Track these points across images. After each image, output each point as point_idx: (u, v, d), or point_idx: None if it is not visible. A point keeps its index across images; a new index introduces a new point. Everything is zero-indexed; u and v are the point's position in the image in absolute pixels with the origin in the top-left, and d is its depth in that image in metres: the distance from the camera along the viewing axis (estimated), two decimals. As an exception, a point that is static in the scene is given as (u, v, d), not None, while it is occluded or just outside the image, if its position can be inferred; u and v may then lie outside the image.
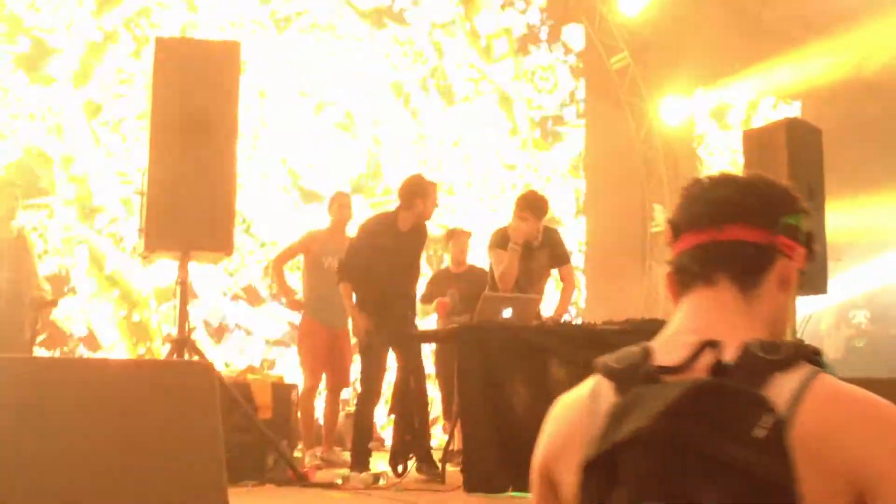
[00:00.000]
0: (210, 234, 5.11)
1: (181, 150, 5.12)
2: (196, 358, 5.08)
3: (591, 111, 11.24)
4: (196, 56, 5.39)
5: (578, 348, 5.33)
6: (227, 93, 5.34)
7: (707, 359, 1.18)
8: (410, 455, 5.67)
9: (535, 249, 6.00)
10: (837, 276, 7.66)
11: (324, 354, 6.57)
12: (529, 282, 5.96)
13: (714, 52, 11.29)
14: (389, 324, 5.75)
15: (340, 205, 6.95)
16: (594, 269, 11.04)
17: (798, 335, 6.05)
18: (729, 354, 1.17)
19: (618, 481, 1.12)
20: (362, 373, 6.04)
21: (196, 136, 5.13)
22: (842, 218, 6.81)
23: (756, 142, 6.29)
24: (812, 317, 9.49)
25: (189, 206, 5.04)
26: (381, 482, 5.32)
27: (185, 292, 5.17)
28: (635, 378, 1.20)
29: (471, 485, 4.95)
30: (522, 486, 4.75)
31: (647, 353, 1.25)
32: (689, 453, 1.08)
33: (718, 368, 1.16)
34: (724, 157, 12.06)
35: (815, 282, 6.10)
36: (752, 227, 1.30)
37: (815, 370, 1.15)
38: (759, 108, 12.29)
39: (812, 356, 1.17)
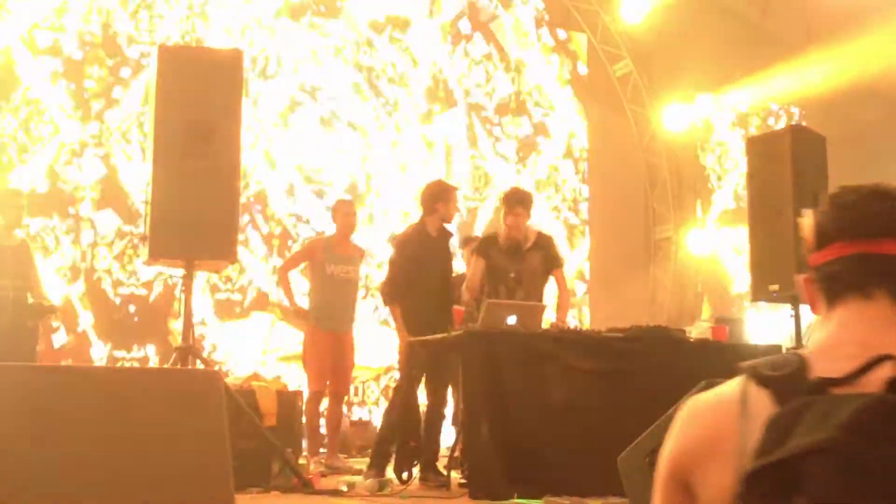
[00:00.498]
0: (214, 242, 5.12)
1: (184, 158, 5.11)
2: (201, 366, 5.09)
3: (595, 119, 11.24)
4: (199, 64, 5.39)
5: (583, 356, 5.34)
6: (230, 100, 5.34)
7: (881, 373, 1.16)
8: (415, 462, 5.66)
9: (526, 251, 6.00)
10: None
11: (329, 361, 6.57)
12: (519, 283, 5.95)
13: (716, 60, 11.30)
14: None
15: (345, 213, 6.95)
16: (598, 275, 11.03)
17: (804, 343, 6.04)
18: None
19: (796, 491, 1.10)
20: (400, 382, 6.07)
21: (199, 143, 5.13)
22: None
23: (760, 149, 6.30)
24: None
25: (193, 214, 5.04)
26: (387, 490, 5.31)
27: (189, 300, 5.17)
28: (798, 388, 1.18)
29: (476, 492, 4.94)
30: (527, 492, 4.74)
31: (804, 363, 1.22)
32: (876, 469, 1.07)
33: (893, 386, 1.13)
34: (727, 164, 12.06)
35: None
36: None
37: None
38: (761, 114, 12.29)
39: None
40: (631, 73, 11.43)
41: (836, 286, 1.31)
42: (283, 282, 6.99)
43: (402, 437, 5.70)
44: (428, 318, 5.76)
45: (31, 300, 6.20)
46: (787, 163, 5.96)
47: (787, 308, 6.10)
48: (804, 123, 11.13)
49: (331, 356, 6.58)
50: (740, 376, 1.26)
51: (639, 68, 11.38)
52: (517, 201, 6.00)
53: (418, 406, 6.12)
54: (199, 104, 5.18)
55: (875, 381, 1.15)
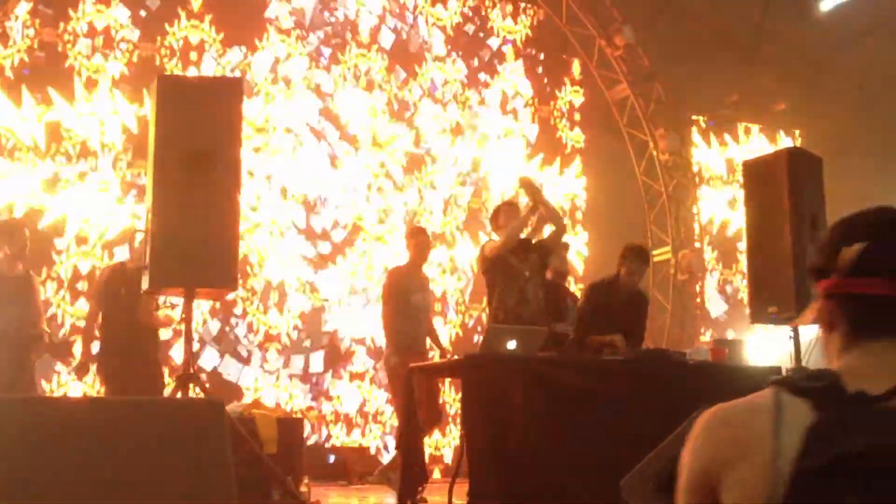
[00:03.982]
0: (214, 271, 5.12)
1: (184, 187, 5.13)
2: (200, 394, 5.09)
3: (591, 143, 11.29)
4: (198, 92, 5.42)
5: (584, 379, 5.33)
6: (229, 129, 5.36)
7: None
8: (420, 488, 5.66)
9: (527, 249, 6.14)
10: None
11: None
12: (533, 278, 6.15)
13: (712, 83, 11.37)
14: None
15: (420, 242, 6.99)
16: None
17: (803, 363, 6.04)
18: None
19: (850, 492, 1.15)
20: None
21: (199, 172, 5.14)
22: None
23: (757, 172, 6.31)
24: (817, 342, 9.46)
25: (193, 243, 5.04)
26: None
27: (190, 329, 5.18)
28: (839, 399, 1.23)
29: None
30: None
31: (839, 378, 1.27)
32: None
33: None
34: (724, 188, 12.11)
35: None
36: None
37: None
38: (759, 137, 12.34)
39: None
40: (628, 98, 11.50)
41: (872, 321, 1.33)
42: (390, 330, 6.85)
43: (406, 462, 5.70)
44: None
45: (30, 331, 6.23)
46: (784, 185, 5.98)
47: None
48: (802, 145, 11.21)
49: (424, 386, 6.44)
50: (769, 388, 1.29)
51: (635, 93, 11.44)
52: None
53: (421, 432, 6.13)
54: (199, 133, 5.20)
55: None
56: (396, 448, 5.92)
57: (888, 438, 1.15)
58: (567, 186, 11.02)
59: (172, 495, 2.69)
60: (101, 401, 5.53)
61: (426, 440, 6.63)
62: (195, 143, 5.17)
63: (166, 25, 9.14)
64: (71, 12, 8.81)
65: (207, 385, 5.67)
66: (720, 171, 12.15)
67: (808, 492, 1.17)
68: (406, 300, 6.73)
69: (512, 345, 5.43)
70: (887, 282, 1.31)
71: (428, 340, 6.92)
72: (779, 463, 1.20)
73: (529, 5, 11.15)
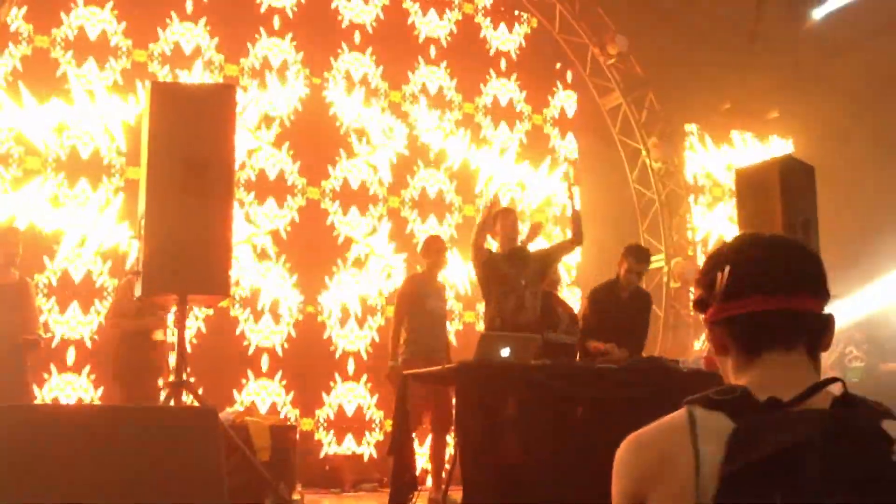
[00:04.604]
0: (207, 277, 5.13)
1: (178, 194, 5.15)
2: (194, 401, 5.08)
3: (585, 152, 11.30)
4: (191, 100, 5.43)
5: (577, 387, 5.34)
6: (222, 136, 5.38)
7: (819, 399, 1.32)
8: (410, 496, 5.65)
9: (523, 258, 6.19)
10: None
11: (432, 395, 6.52)
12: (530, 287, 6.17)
13: (706, 91, 11.41)
14: None
15: (439, 250, 7.05)
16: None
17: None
18: (827, 398, 1.33)
19: (775, 489, 1.23)
20: None
21: (192, 179, 5.17)
22: (837, 253, 6.88)
23: (749, 180, 6.32)
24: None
25: (186, 250, 5.06)
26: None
27: (183, 336, 5.17)
28: (752, 407, 1.32)
29: (471, 525, 4.92)
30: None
31: (748, 390, 1.37)
32: (841, 470, 1.21)
33: (845, 401, 1.31)
34: (717, 196, 12.13)
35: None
36: (817, 298, 1.43)
37: None
38: (751, 146, 12.38)
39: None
40: (621, 106, 11.53)
41: (760, 338, 1.43)
42: (395, 338, 6.88)
43: (397, 472, 5.70)
44: None
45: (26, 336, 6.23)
46: (777, 194, 5.99)
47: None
48: (795, 153, 11.25)
49: (431, 391, 6.48)
50: (683, 407, 1.40)
51: (628, 101, 11.47)
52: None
53: (412, 440, 6.12)
54: (192, 139, 5.23)
55: (818, 403, 1.31)
56: (388, 454, 5.92)
57: (803, 437, 1.23)
58: (561, 194, 11.03)
59: (164, 501, 2.68)
60: (95, 408, 5.53)
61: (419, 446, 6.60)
62: (188, 149, 5.20)
63: (158, 29, 9.13)
64: (63, 16, 8.80)
65: (200, 392, 5.65)
66: (713, 180, 12.17)
67: (736, 493, 1.25)
68: (422, 308, 6.76)
69: (506, 352, 5.43)
70: (759, 298, 1.41)
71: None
72: (703, 471, 1.28)
73: (523, 14, 11.17)
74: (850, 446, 1.23)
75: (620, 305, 6.51)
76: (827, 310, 1.46)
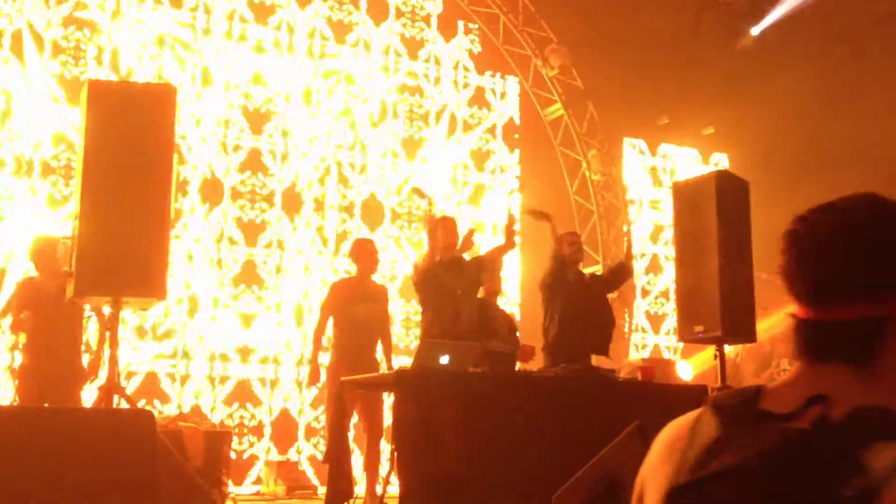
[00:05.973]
0: (143, 279, 5.04)
1: (114, 194, 5.06)
2: (125, 405, 4.98)
3: (525, 162, 11.36)
4: (130, 99, 5.34)
5: (514, 395, 5.36)
6: (162, 136, 5.29)
7: (814, 412, 1.18)
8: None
9: (459, 267, 6.28)
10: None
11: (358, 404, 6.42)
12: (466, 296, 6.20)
13: (643, 104, 11.57)
14: None
15: (367, 252, 6.93)
16: (528, 314, 11.09)
17: (727, 382, 6.16)
18: (837, 412, 1.16)
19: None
20: None
21: (129, 179, 5.08)
22: (773, 268, 7.00)
23: (686, 193, 6.44)
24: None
25: (121, 251, 4.97)
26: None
27: (116, 338, 5.07)
28: (742, 417, 1.22)
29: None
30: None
31: (758, 396, 1.26)
32: (774, 499, 1.11)
33: (822, 422, 1.16)
34: (655, 209, 12.30)
35: (743, 330, 6.24)
36: (860, 301, 1.23)
37: None
38: (687, 160, 12.58)
39: None
40: (562, 118, 11.64)
41: (798, 347, 1.30)
42: (317, 347, 6.80)
43: (332, 478, 5.65)
44: None
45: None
46: (712, 208, 6.11)
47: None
48: (730, 168, 11.46)
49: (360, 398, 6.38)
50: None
51: (569, 112, 11.59)
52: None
53: (349, 448, 6.09)
54: (130, 139, 5.13)
55: (808, 420, 1.17)
56: (324, 462, 5.87)
57: (741, 459, 1.15)
58: (502, 204, 11.08)
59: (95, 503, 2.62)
60: (27, 410, 5.38)
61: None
62: (126, 149, 5.11)
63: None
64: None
65: (130, 395, 5.55)
66: (651, 193, 12.35)
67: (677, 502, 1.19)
68: (344, 313, 6.68)
69: (445, 360, 5.43)
70: (804, 308, 1.29)
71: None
72: (677, 474, 1.22)
73: (470, 24, 11.21)
74: (787, 473, 1.12)
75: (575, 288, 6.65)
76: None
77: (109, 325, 5.05)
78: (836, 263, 1.24)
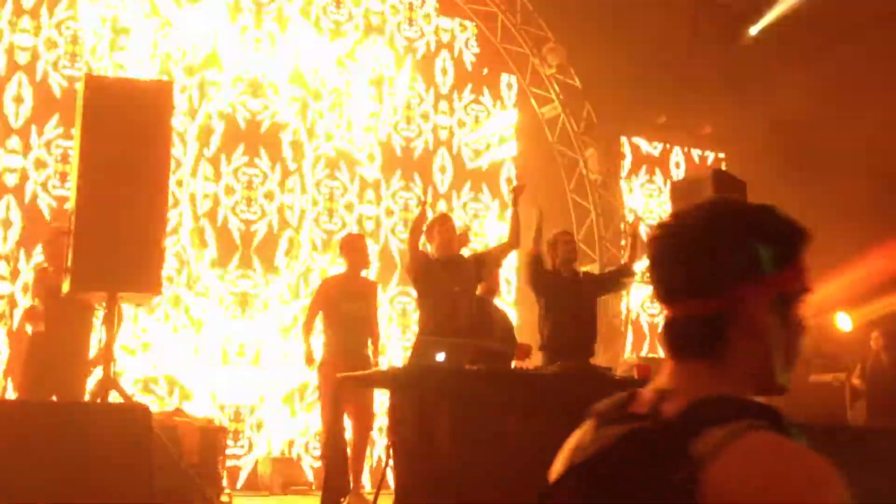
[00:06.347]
0: (138, 275, 5.04)
1: (110, 189, 5.07)
2: (120, 399, 4.97)
3: (523, 160, 11.36)
4: (127, 95, 5.35)
5: (509, 392, 5.36)
6: (158, 133, 5.32)
7: (661, 409, 1.24)
8: (342, 500, 5.61)
9: (458, 264, 6.28)
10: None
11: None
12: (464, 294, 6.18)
13: (641, 104, 11.57)
14: None
15: (358, 248, 6.93)
16: (525, 313, 11.10)
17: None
18: (675, 407, 1.22)
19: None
20: None
21: (126, 175, 5.09)
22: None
23: (683, 192, 6.46)
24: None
25: (117, 247, 4.97)
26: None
27: (111, 333, 5.07)
28: (612, 421, 1.28)
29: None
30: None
31: (631, 398, 1.32)
32: (609, 496, 1.17)
33: (656, 417, 1.22)
34: (652, 207, 12.30)
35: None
36: (701, 298, 1.29)
37: (750, 426, 1.15)
38: (685, 158, 12.59)
39: (771, 417, 1.17)
40: (559, 116, 11.63)
41: (662, 346, 1.38)
42: (306, 340, 6.83)
43: (328, 474, 5.66)
44: None
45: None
46: (710, 206, 6.11)
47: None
48: (727, 168, 11.47)
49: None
50: None
51: (566, 111, 11.58)
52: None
53: (346, 443, 6.09)
54: (127, 135, 5.14)
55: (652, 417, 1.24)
56: (320, 458, 5.88)
57: (585, 463, 1.23)
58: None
59: (90, 498, 2.62)
60: (24, 404, 5.37)
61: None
62: (122, 145, 5.11)
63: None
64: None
65: (126, 391, 5.54)
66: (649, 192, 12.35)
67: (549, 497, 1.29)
68: (335, 310, 6.68)
69: (440, 357, 5.42)
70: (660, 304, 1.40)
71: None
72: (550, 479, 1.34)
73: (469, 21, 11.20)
74: (619, 469, 1.18)
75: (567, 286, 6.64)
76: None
77: (105, 320, 5.05)
78: (669, 266, 1.33)
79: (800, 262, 1.33)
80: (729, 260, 1.28)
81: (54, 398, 5.91)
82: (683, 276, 1.31)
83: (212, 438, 6.02)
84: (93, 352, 6.15)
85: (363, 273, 7.06)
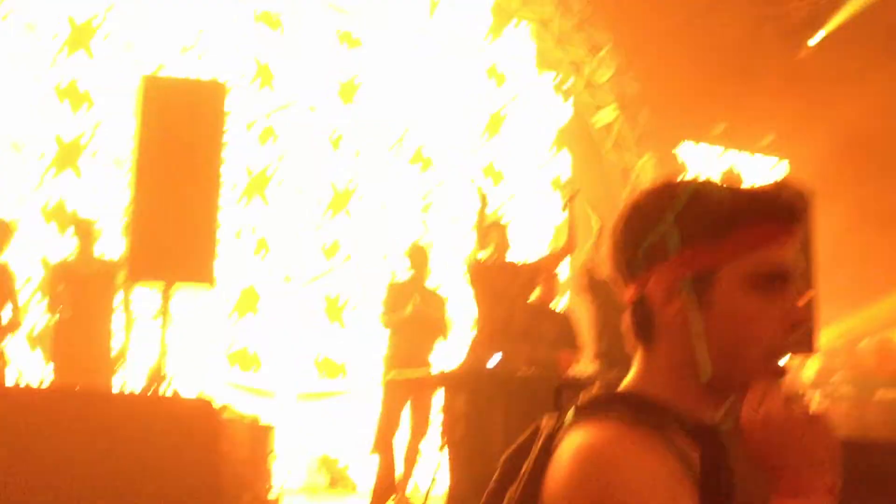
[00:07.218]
0: (193, 266, 5.18)
1: (166, 184, 5.27)
2: (171, 393, 5.01)
3: (577, 165, 11.26)
4: (182, 95, 5.54)
5: (562, 399, 5.28)
6: (212, 131, 5.53)
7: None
8: (392, 497, 5.61)
9: (514, 270, 6.30)
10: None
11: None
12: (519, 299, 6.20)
13: (701, 108, 11.40)
14: None
15: (423, 259, 6.99)
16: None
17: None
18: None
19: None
20: None
21: (181, 171, 5.28)
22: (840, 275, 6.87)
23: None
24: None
25: (172, 238, 5.12)
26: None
27: (167, 324, 5.15)
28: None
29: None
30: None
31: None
32: (516, 483, 1.23)
33: (558, 415, 1.25)
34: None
35: (802, 341, 6.07)
36: (629, 283, 1.27)
37: (581, 420, 1.18)
38: (745, 165, 12.39)
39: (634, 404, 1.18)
40: (616, 121, 11.50)
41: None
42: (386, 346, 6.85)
43: (381, 474, 5.67)
44: None
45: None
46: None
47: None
48: (790, 175, 11.26)
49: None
50: None
51: (622, 117, 11.45)
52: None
53: (393, 446, 6.07)
54: (182, 132, 5.34)
55: None
56: (371, 453, 5.91)
57: (516, 449, 1.32)
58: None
59: (157, 493, 2.62)
60: (90, 393, 5.44)
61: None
62: (178, 141, 5.31)
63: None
64: None
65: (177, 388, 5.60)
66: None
67: None
68: (398, 315, 6.68)
69: (493, 362, 5.41)
70: None
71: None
72: None
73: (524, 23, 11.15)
74: (520, 461, 1.24)
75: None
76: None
77: (161, 311, 5.13)
78: (610, 251, 1.30)
79: (724, 237, 1.20)
80: (641, 241, 1.24)
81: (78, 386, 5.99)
82: (617, 260, 1.28)
83: (260, 435, 6.03)
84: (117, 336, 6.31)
85: (426, 282, 7.07)
